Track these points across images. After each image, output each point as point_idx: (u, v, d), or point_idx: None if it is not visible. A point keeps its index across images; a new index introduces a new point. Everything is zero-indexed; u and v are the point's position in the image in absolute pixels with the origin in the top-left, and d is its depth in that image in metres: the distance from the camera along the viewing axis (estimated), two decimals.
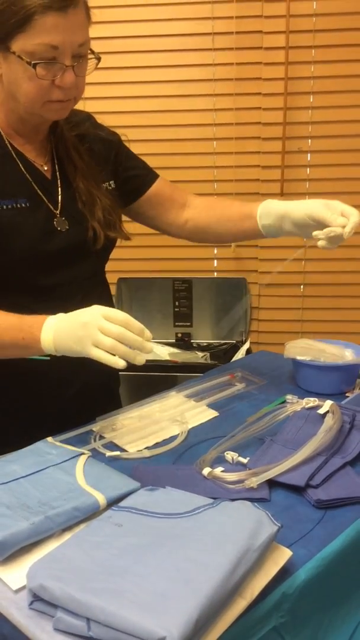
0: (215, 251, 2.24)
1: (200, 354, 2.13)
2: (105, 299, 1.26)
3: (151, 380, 1.90)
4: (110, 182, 1.20)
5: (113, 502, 0.82)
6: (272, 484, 0.92)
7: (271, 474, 0.91)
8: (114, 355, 0.91)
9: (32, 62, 0.93)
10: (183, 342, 2.23)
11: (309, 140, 2.09)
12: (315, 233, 1.10)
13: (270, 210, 1.18)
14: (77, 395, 1.18)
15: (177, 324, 2.24)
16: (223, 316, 2.23)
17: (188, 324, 2.24)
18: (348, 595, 0.88)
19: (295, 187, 2.13)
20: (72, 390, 1.18)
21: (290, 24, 1.97)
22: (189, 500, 0.80)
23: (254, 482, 0.90)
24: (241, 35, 2.03)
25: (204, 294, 2.21)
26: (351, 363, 1.24)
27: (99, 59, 1.02)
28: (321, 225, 1.10)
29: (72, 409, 1.14)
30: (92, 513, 0.80)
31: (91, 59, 1.02)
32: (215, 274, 2.27)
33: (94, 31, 2.03)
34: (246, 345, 2.12)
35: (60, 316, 0.97)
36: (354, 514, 0.87)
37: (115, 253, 1.22)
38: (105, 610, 0.61)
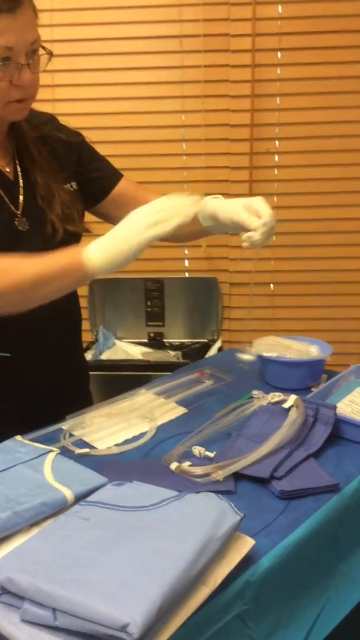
0: (187, 251, 2.26)
1: (172, 353, 2.15)
2: (73, 296, 1.27)
3: (123, 380, 1.91)
4: (72, 184, 1.20)
5: (81, 497, 0.83)
6: (238, 476, 0.94)
7: (236, 467, 0.93)
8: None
9: None
10: (155, 342, 2.24)
11: (277, 142, 2.12)
12: (242, 237, 1.07)
13: (204, 212, 1.14)
14: (44, 393, 1.19)
15: (149, 323, 2.26)
16: (195, 316, 2.26)
17: (160, 323, 2.25)
18: (311, 583, 0.91)
19: (264, 187, 2.16)
20: (39, 388, 1.19)
21: (257, 27, 2.01)
22: (155, 493, 0.82)
23: (219, 475, 0.92)
24: (208, 38, 2.06)
25: (176, 294, 2.23)
26: (316, 359, 1.27)
27: (50, 54, 1.03)
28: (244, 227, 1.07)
29: (40, 407, 1.15)
30: (60, 508, 0.81)
31: (43, 55, 1.03)
32: (187, 273, 2.30)
33: (62, 34, 2.05)
34: (218, 344, 2.15)
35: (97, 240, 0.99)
36: (317, 504, 0.90)
37: None
38: (71, 600, 0.62)
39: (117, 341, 2.22)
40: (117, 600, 0.62)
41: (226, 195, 2.11)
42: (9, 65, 0.96)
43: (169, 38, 2.07)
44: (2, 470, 0.87)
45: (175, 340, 2.25)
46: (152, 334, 2.26)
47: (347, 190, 2.14)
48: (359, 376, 1.27)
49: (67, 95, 2.12)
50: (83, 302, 1.42)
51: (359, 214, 2.15)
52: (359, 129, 2.08)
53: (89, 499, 0.82)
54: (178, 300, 2.24)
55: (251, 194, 2.14)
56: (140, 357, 2.10)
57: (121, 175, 1.30)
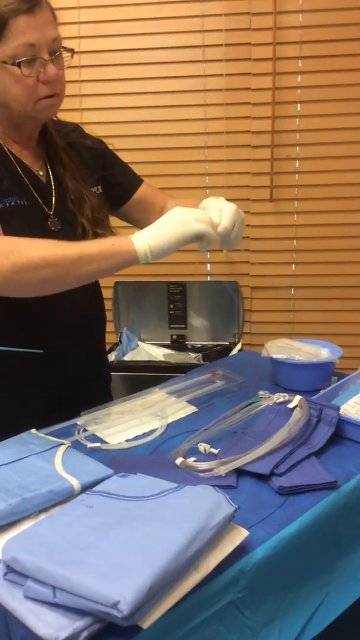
0: (208, 255, 2.31)
1: (193, 355, 2.20)
2: (97, 295, 1.36)
3: (144, 380, 1.95)
4: (98, 187, 1.28)
5: (87, 487, 0.88)
6: (240, 472, 0.98)
7: (238, 463, 0.97)
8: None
9: (17, 62, 1.02)
10: (178, 344, 2.29)
11: (297, 148, 2.15)
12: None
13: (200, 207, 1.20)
14: (69, 390, 1.25)
15: (172, 326, 2.31)
16: (217, 319, 2.30)
17: (183, 326, 2.31)
18: (309, 577, 0.93)
19: (285, 193, 2.19)
20: (62, 385, 1.25)
21: (277, 36, 2.04)
22: (155, 485, 0.87)
23: (222, 470, 0.96)
24: (230, 48, 2.10)
25: (198, 297, 2.28)
26: (325, 361, 1.30)
27: (72, 52, 1.10)
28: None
29: (64, 403, 1.21)
30: (67, 496, 0.87)
31: (66, 55, 1.09)
32: (209, 277, 2.34)
33: (89, 45, 2.11)
34: (238, 347, 2.18)
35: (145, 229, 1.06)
36: (314, 500, 0.93)
37: None
38: (69, 579, 0.67)
39: (140, 343, 2.28)
40: (110, 580, 0.67)
41: (247, 201, 2.17)
42: (34, 62, 1.03)
43: (192, 48, 2.12)
44: (16, 460, 0.93)
45: (197, 343, 2.30)
46: (174, 336, 2.32)
47: None
48: None
49: (94, 104, 2.20)
50: (108, 305, 1.49)
51: None
52: None
53: (95, 488, 0.87)
54: (200, 303, 2.29)
55: (272, 199, 2.18)
56: (162, 358, 2.15)
57: (141, 181, 1.37)
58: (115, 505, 0.83)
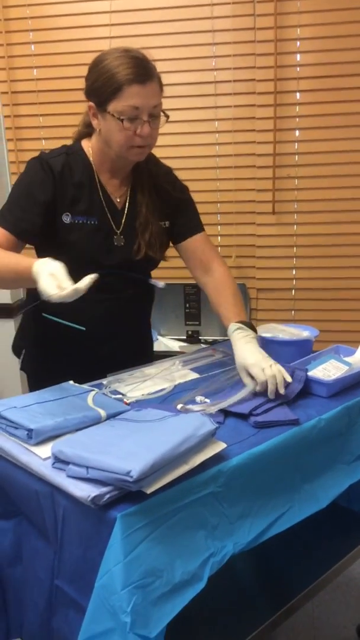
0: None
1: (204, 347, 2.51)
2: (148, 299, 1.67)
3: None
4: (165, 223, 1.58)
5: (111, 417, 1.20)
6: (227, 414, 1.28)
7: (224, 404, 1.28)
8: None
9: (121, 118, 1.34)
10: (193, 338, 2.61)
11: (296, 168, 2.46)
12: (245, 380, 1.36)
13: (231, 337, 1.46)
14: (103, 366, 1.52)
15: (187, 322, 2.62)
16: None
17: (197, 323, 2.62)
18: (277, 492, 1.20)
19: (286, 207, 2.51)
20: (100, 361, 1.54)
21: (278, 73, 2.37)
22: (160, 414, 1.19)
23: (212, 409, 1.27)
24: (238, 83, 2.44)
25: None
26: (304, 339, 1.60)
27: (167, 117, 1.40)
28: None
29: (99, 373, 1.50)
30: (96, 421, 1.18)
31: (162, 117, 1.40)
32: None
33: None
34: None
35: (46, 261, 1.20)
36: (281, 431, 1.21)
37: None
38: (98, 460, 0.98)
39: (160, 337, 2.60)
40: (125, 460, 0.97)
41: (253, 213, 2.47)
42: (135, 120, 1.35)
43: (206, 84, 2.47)
44: (59, 398, 1.26)
45: (209, 337, 2.61)
46: (190, 332, 2.63)
47: (357, 209, 2.46)
48: (336, 353, 1.59)
49: None
50: None
51: None
52: None
53: (117, 417, 1.20)
54: None
55: (274, 212, 2.49)
56: (177, 349, 2.47)
57: (199, 231, 1.61)
58: (130, 425, 1.15)
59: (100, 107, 1.37)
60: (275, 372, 1.31)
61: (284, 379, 1.32)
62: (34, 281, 1.16)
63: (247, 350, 1.39)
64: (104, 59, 1.35)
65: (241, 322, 1.48)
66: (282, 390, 1.31)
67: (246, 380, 1.35)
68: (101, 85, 1.34)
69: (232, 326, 1.46)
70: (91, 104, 1.39)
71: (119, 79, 1.32)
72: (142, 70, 1.33)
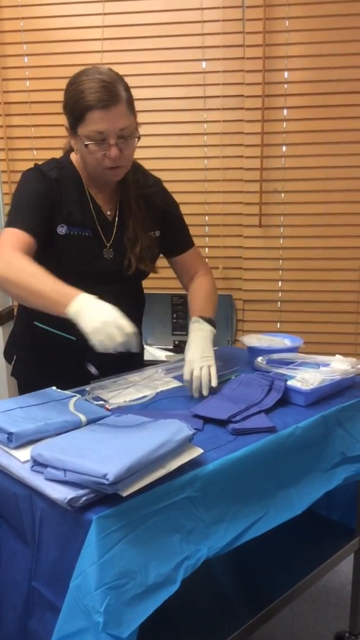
0: None
1: None
2: (135, 309, 1.63)
3: None
4: (156, 232, 1.62)
5: (91, 422, 1.23)
6: (206, 420, 1.31)
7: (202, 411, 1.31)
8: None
9: (86, 143, 1.37)
10: (180, 348, 2.63)
11: (282, 183, 2.51)
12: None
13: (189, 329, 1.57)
14: (100, 365, 1.53)
15: (174, 332, 2.65)
16: None
17: (184, 333, 2.64)
18: (253, 498, 1.23)
19: (272, 220, 2.55)
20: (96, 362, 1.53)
21: (266, 90, 2.42)
22: (139, 419, 1.21)
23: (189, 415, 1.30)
24: (226, 99, 2.48)
25: None
26: (287, 347, 1.64)
27: (138, 138, 1.41)
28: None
29: (88, 379, 1.53)
30: (76, 426, 1.21)
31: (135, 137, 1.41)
32: None
33: None
34: None
35: (89, 299, 1.21)
36: (258, 438, 1.24)
37: None
38: (75, 463, 1.01)
39: (147, 346, 2.62)
40: (102, 463, 1.00)
41: (240, 226, 2.51)
42: (102, 144, 1.37)
43: (195, 99, 2.51)
44: (42, 403, 1.28)
45: None
46: (176, 342, 2.66)
47: (341, 224, 2.51)
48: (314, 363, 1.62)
49: None
50: None
51: (353, 244, 2.51)
52: (352, 172, 2.45)
53: (97, 422, 1.22)
54: None
55: (261, 225, 2.53)
56: (164, 358, 2.50)
57: (190, 247, 1.70)
58: (109, 430, 1.17)
59: (72, 129, 1.40)
60: (203, 374, 1.42)
61: (210, 381, 1.43)
62: (69, 317, 1.20)
63: (192, 345, 1.50)
64: (76, 81, 1.37)
65: (201, 317, 1.55)
66: (205, 392, 1.42)
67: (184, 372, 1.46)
68: (70, 109, 1.38)
69: (192, 319, 1.56)
70: (66, 123, 1.42)
71: (82, 105, 1.34)
72: (107, 95, 1.32)
